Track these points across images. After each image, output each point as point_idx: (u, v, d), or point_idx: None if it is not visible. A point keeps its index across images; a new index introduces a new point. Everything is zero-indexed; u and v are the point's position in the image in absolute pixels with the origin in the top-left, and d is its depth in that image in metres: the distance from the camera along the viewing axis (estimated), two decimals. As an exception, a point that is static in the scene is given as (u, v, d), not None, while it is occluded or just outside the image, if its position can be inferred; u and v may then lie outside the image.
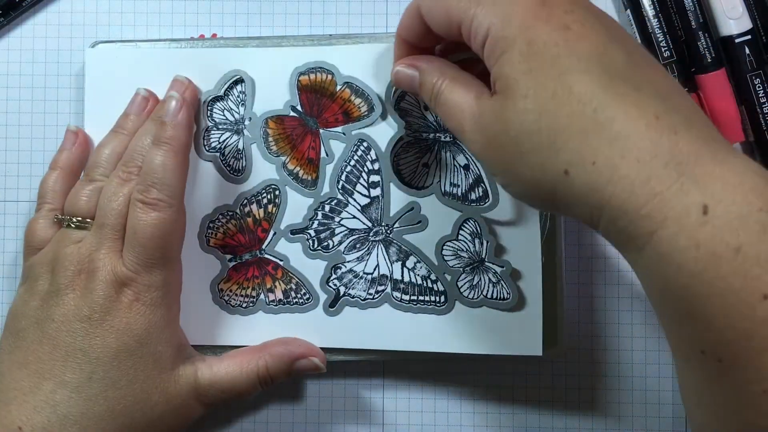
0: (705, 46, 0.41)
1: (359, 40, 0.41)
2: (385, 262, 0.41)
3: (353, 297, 0.41)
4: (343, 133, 0.40)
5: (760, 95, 0.41)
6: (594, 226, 0.29)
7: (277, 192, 0.41)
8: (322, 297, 0.41)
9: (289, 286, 0.41)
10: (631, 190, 0.26)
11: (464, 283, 0.40)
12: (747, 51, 0.41)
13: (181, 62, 0.41)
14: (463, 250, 0.40)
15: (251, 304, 0.41)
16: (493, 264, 0.40)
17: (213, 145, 0.41)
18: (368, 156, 0.40)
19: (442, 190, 0.40)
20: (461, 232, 0.40)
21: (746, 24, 0.41)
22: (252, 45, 0.41)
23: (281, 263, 0.41)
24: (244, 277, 0.41)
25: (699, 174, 0.26)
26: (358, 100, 0.40)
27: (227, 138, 0.41)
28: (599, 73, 0.28)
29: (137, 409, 0.36)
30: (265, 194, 0.41)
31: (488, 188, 0.40)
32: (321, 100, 0.40)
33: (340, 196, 0.41)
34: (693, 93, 0.42)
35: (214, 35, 0.44)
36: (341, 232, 0.41)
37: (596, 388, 0.43)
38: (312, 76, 0.40)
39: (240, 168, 0.41)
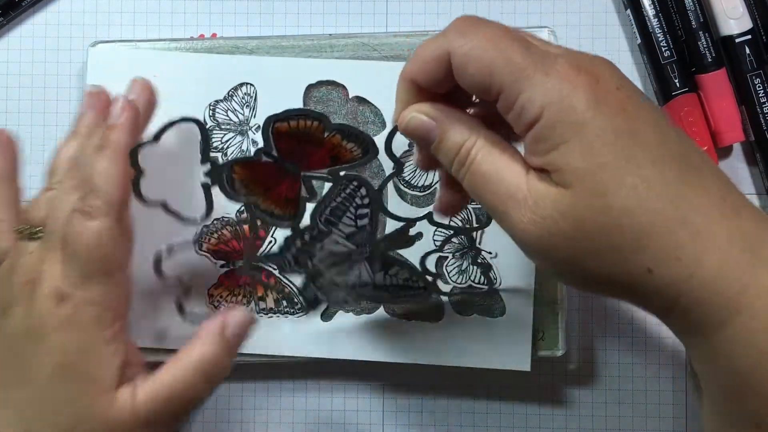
0: (705, 45, 0.41)
1: (357, 53, 0.41)
2: (367, 273, 0.40)
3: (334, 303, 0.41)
4: (330, 176, 0.38)
5: (760, 95, 0.41)
6: (659, 315, 0.28)
7: None
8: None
9: (281, 295, 0.41)
10: (713, 281, 0.26)
11: (453, 269, 0.40)
12: (747, 51, 0.41)
13: (184, 65, 0.41)
14: (454, 238, 0.40)
15: (268, 313, 0.41)
16: (483, 250, 0.40)
17: (215, 145, 0.41)
18: (357, 193, 0.39)
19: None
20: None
21: (746, 24, 0.41)
22: (250, 46, 0.41)
23: (275, 272, 0.41)
24: (235, 283, 0.41)
25: (765, 255, 0.26)
26: (350, 145, 0.38)
27: (231, 138, 0.41)
28: (669, 162, 0.27)
29: None
30: None
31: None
32: (305, 148, 0.38)
33: (322, 227, 0.39)
34: (693, 93, 0.42)
35: (214, 35, 0.44)
36: (322, 255, 0.40)
37: (597, 388, 0.43)
38: (293, 123, 0.38)
39: None
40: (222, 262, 0.41)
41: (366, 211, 0.39)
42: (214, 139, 0.41)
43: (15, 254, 0.35)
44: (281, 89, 0.41)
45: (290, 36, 0.42)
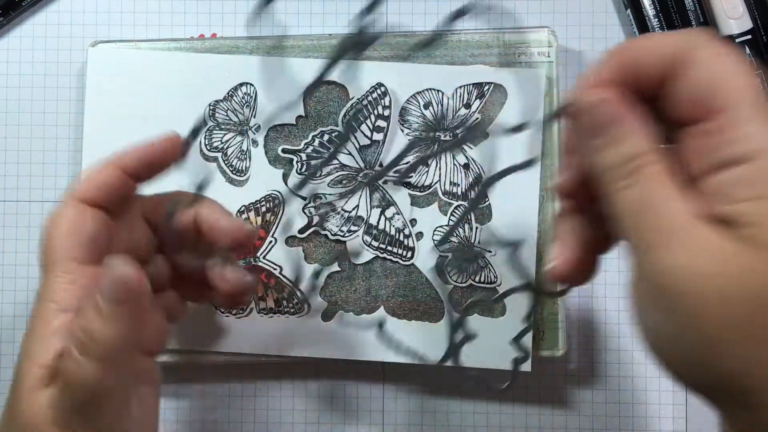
0: (705, 45, 0.41)
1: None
2: (366, 205, 0.41)
3: (324, 229, 0.41)
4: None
5: (761, 95, 0.41)
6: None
7: (277, 201, 0.41)
8: (316, 305, 0.41)
9: (281, 295, 0.41)
10: None
11: (452, 268, 0.41)
12: (747, 51, 0.41)
13: (182, 65, 0.41)
14: (453, 235, 0.41)
15: (241, 312, 0.41)
16: (482, 249, 0.40)
17: (215, 144, 0.41)
18: (382, 101, 0.40)
19: (442, 189, 0.40)
20: (452, 217, 0.40)
21: (746, 24, 0.41)
22: (250, 46, 0.41)
23: (275, 272, 0.41)
24: None
25: None
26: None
27: (230, 138, 0.41)
28: None
29: None
30: (264, 203, 0.41)
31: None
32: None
33: (341, 129, 0.41)
34: (693, 93, 0.42)
35: (214, 35, 0.44)
36: (333, 165, 0.41)
37: (596, 388, 0.43)
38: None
39: (243, 168, 0.41)
40: None
41: (384, 124, 0.40)
42: (214, 139, 0.41)
43: None
44: (281, 89, 0.41)
45: (290, 36, 0.42)
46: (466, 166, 0.40)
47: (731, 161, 0.23)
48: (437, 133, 0.40)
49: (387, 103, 0.40)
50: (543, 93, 0.40)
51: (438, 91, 0.40)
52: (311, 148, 0.41)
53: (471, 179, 0.40)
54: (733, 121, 0.23)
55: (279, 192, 0.41)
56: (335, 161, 0.41)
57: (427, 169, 0.40)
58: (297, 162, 0.41)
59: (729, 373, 0.22)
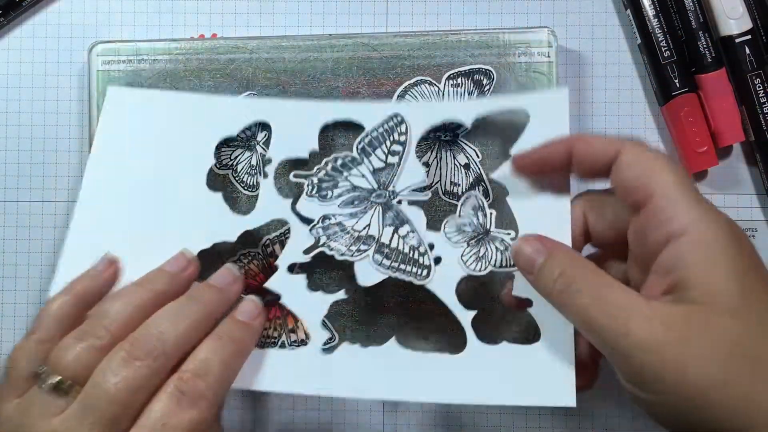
0: (705, 46, 0.41)
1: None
2: (378, 224, 0.38)
3: (331, 249, 0.38)
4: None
5: (760, 95, 0.41)
6: None
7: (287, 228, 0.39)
8: (318, 337, 0.37)
9: (284, 329, 0.38)
10: None
11: (469, 257, 0.38)
12: (747, 51, 0.41)
13: (195, 109, 0.40)
14: (466, 224, 0.39)
15: (272, 346, 0.37)
16: (499, 233, 0.38)
17: (224, 162, 0.41)
18: (398, 129, 0.39)
19: (443, 189, 0.40)
20: (463, 208, 0.39)
21: (746, 24, 0.41)
22: (250, 46, 0.41)
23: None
24: (265, 317, 0.38)
25: None
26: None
27: (239, 154, 0.41)
28: None
29: None
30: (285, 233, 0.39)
31: (488, 187, 0.40)
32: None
33: (356, 155, 0.39)
34: (693, 93, 0.42)
35: (214, 35, 0.44)
36: (344, 186, 0.39)
37: (597, 388, 0.43)
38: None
39: (254, 184, 0.40)
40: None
41: (399, 149, 0.39)
42: (222, 156, 0.41)
43: (26, 413, 0.30)
44: (296, 130, 0.40)
45: (290, 36, 0.42)
46: (466, 166, 0.40)
47: (667, 236, 0.28)
48: (437, 133, 0.40)
49: (403, 130, 0.39)
50: (567, 115, 0.36)
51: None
52: (323, 172, 0.39)
53: (471, 179, 0.40)
54: (661, 203, 0.28)
55: (287, 220, 0.39)
56: (347, 183, 0.39)
57: (427, 169, 0.40)
58: (308, 185, 0.39)
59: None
